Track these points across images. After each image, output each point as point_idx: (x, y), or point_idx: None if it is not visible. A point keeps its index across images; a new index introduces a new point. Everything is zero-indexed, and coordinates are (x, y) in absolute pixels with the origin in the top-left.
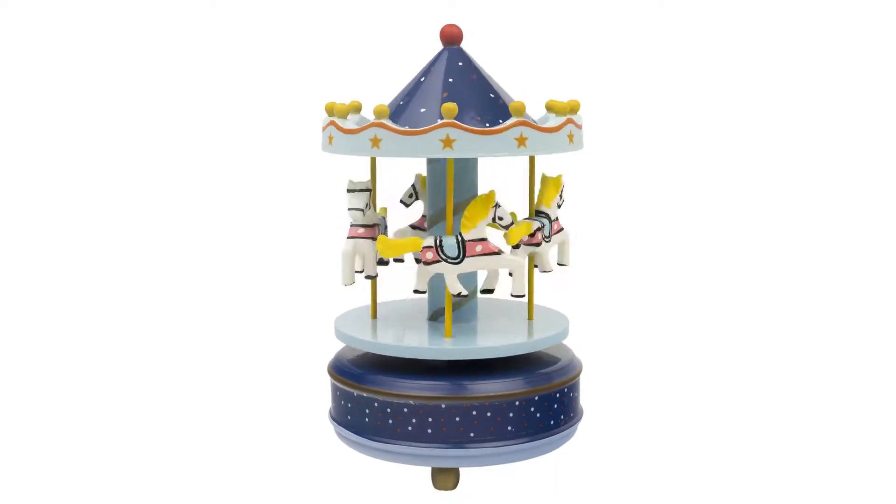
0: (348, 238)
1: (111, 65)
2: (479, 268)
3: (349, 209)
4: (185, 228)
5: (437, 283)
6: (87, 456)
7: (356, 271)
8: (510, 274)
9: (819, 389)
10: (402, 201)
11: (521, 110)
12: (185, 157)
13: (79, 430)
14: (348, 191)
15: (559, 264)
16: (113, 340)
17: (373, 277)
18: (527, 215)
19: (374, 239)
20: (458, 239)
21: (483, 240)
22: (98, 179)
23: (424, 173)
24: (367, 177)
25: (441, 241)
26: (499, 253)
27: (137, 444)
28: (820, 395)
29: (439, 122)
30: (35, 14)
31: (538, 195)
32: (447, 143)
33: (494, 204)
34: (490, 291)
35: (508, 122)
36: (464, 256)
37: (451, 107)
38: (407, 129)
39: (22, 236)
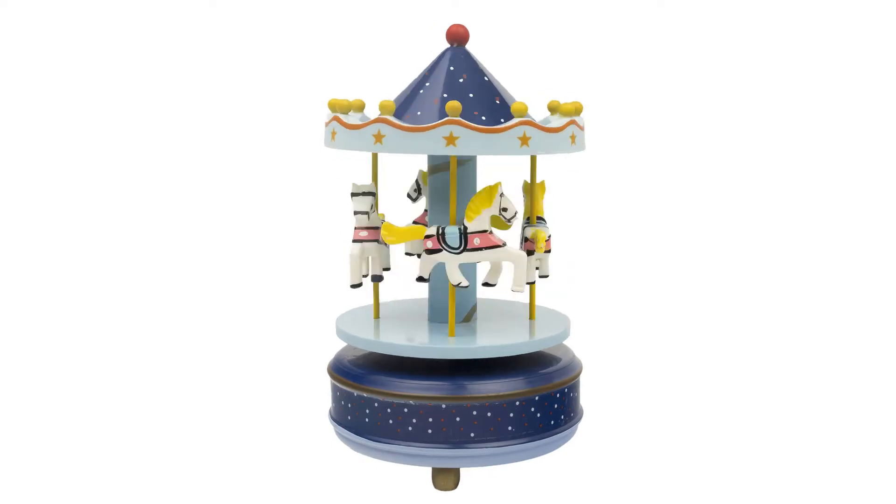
0: (354, 241)
1: (112, 65)
2: (481, 259)
3: (355, 212)
4: (187, 228)
5: (438, 283)
6: (88, 455)
7: (379, 276)
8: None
9: (819, 389)
10: (408, 195)
11: (523, 111)
12: (188, 156)
13: (79, 430)
14: (352, 195)
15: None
16: (114, 340)
17: (378, 280)
18: (525, 221)
19: (378, 241)
20: (460, 229)
21: (486, 231)
22: (99, 179)
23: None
24: (369, 180)
25: (443, 231)
26: (501, 246)
27: (138, 444)
28: (819, 394)
29: (443, 119)
30: (35, 14)
31: (534, 202)
32: (450, 140)
33: (499, 194)
34: (492, 285)
35: (512, 121)
36: (465, 247)
37: (455, 105)
38: (411, 125)
39: (23, 236)
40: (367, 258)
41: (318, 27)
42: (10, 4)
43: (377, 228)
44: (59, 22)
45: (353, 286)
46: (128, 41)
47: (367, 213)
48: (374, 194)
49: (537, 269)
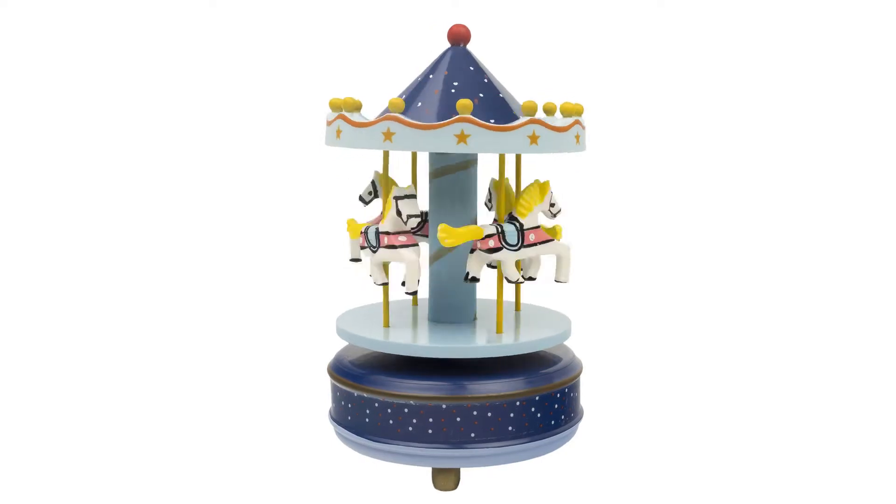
0: (409, 246)
1: (112, 65)
2: (535, 254)
3: (408, 216)
4: (187, 228)
5: (438, 284)
6: (88, 455)
7: (381, 283)
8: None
9: (818, 389)
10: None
11: (532, 109)
12: (188, 156)
13: (79, 430)
14: (400, 197)
15: (556, 280)
16: (114, 339)
17: (413, 293)
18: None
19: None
20: (517, 226)
21: (538, 227)
22: (100, 179)
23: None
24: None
25: (503, 229)
26: (551, 240)
27: (138, 444)
28: (819, 394)
29: (455, 116)
30: (35, 14)
31: (517, 200)
32: (462, 138)
33: (550, 192)
34: (532, 279)
35: (522, 119)
36: (522, 243)
37: (467, 103)
38: (422, 122)
39: (23, 236)
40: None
41: (319, 27)
42: (10, 4)
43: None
44: (59, 22)
45: (353, 260)
46: (128, 41)
47: (419, 215)
48: (374, 183)
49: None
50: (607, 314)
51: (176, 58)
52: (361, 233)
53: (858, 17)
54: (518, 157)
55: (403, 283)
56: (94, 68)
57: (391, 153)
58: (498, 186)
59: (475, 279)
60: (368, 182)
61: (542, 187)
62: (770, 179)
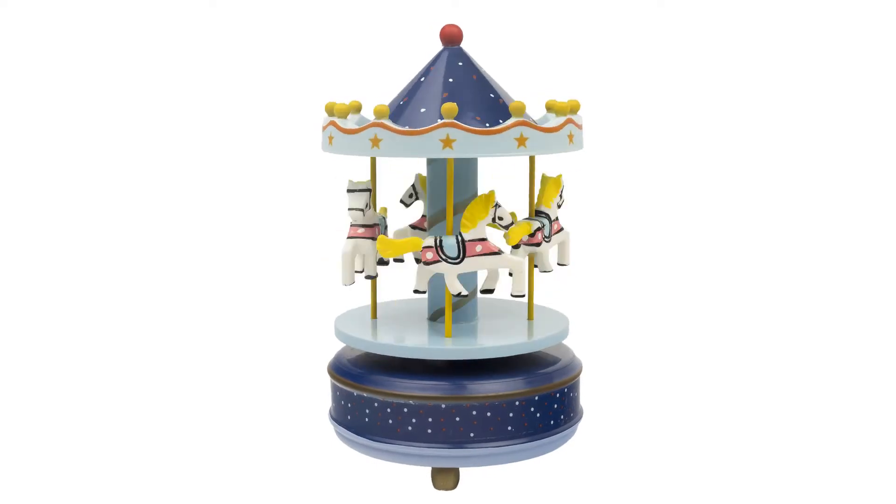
0: (348, 238)
1: (112, 65)
2: (480, 268)
3: (349, 209)
4: (186, 229)
5: (437, 284)
6: (88, 455)
7: (356, 271)
8: (510, 274)
9: (818, 389)
10: (401, 201)
11: (521, 110)
12: (185, 157)
13: (79, 430)
14: (348, 191)
15: (559, 264)
16: (113, 340)
17: (373, 277)
18: (526, 215)
19: (373, 239)
20: (458, 239)
21: (483, 240)
22: (98, 180)
23: (424, 173)
24: (366, 177)
25: (441, 241)
26: (499, 253)
27: (138, 444)
28: (819, 394)
29: (439, 122)
30: (35, 14)
31: (538, 195)
32: (447, 143)
33: (494, 204)
34: (490, 291)
35: (508, 122)
36: (464, 256)
37: (451, 107)
38: (407, 129)
39: (23, 237)
40: (363, 256)
41: (318, 28)
42: (10, 4)
43: (373, 226)
44: (59, 22)
45: (347, 284)
46: (127, 41)
47: (361, 209)
48: (369, 191)
49: (536, 266)
50: (606, 314)
51: (176, 58)
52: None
53: (858, 17)
54: (531, 157)
55: (460, 294)
56: (93, 68)
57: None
58: (544, 180)
59: (418, 291)
60: (409, 185)
61: (485, 200)
62: (769, 178)
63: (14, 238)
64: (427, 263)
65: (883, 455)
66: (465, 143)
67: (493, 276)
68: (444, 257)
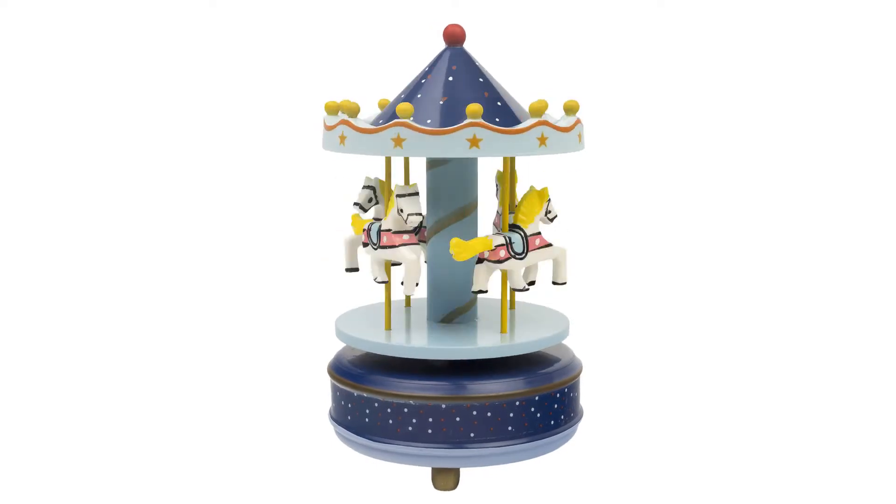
0: (413, 245)
1: (112, 65)
2: (537, 261)
3: (410, 214)
4: (186, 228)
5: (447, 286)
6: (88, 456)
7: (382, 281)
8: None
9: (818, 389)
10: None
11: (541, 111)
12: (186, 156)
13: (79, 430)
14: (403, 195)
15: (553, 283)
16: (113, 340)
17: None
18: (494, 229)
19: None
20: (522, 235)
21: (539, 234)
22: (98, 179)
23: (382, 177)
24: (381, 177)
25: (510, 239)
26: (550, 245)
27: (138, 444)
28: (819, 394)
29: (465, 122)
30: (35, 14)
31: (517, 208)
32: (474, 142)
33: (548, 199)
34: (532, 283)
35: (531, 121)
36: (527, 251)
37: (477, 108)
38: (433, 128)
39: (22, 237)
40: (381, 262)
41: (318, 27)
42: (10, 4)
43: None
44: (59, 22)
45: (348, 270)
46: (128, 41)
47: (361, 205)
48: (373, 188)
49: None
50: (606, 314)
51: (176, 58)
52: (364, 229)
53: (858, 17)
54: (506, 162)
55: (402, 283)
56: (93, 68)
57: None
58: (502, 178)
59: (483, 291)
60: (365, 189)
61: (540, 195)
62: (769, 178)
63: (14, 238)
64: (499, 262)
65: (883, 455)
66: (490, 142)
67: (534, 268)
68: (513, 254)
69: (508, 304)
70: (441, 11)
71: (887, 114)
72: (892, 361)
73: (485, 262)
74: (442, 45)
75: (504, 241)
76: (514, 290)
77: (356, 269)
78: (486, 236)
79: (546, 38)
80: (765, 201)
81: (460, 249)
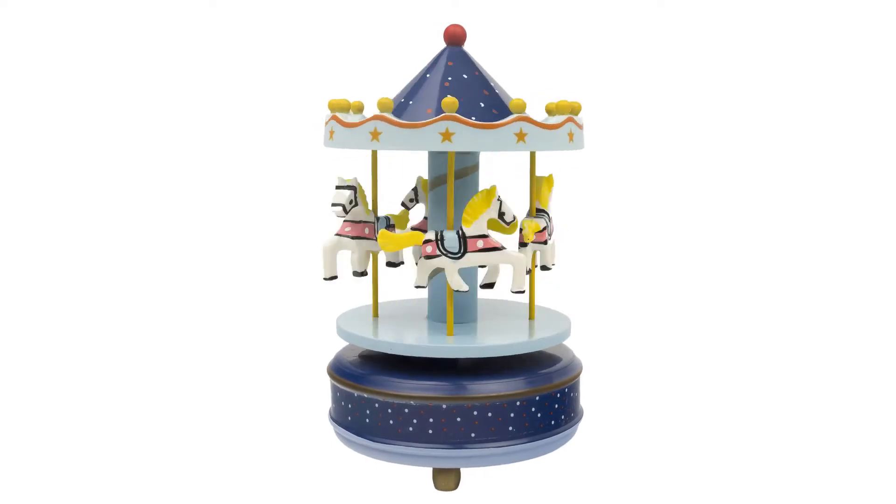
0: (336, 234)
1: (111, 65)
2: (481, 263)
3: (331, 205)
4: (186, 228)
5: (441, 285)
6: (88, 456)
7: (360, 272)
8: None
9: (818, 389)
10: (403, 204)
11: (521, 108)
12: (186, 156)
13: (79, 430)
14: (336, 187)
15: (511, 291)
16: (113, 340)
17: (360, 274)
18: (526, 214)
19: (360, 237)
20: (459, 233)
21: (485, 236)
22: (98, 179)
23: (426, 176)
24: (358, 175)
25: (442, 235)
26: (501, 249)
27: (138, 444)
28: (819, 394)
29: (439, 115)
30: (35, 14)
31: (532, 195)
32: (446, 136)
33: (496, 198)
34: (490, 286)
35: (508, 117)
36: (465, 251)
37: (452, 101)
38: (406, 121)
39: (21, 236)
40: (362, 253)
41: (318, 27)
42: (10, 4)
43: (359, 223)
44: (59, 22)
45: (326, 279)
46: (128, 41)
47: (343, 206)
48: (354, 189)
49: (537, 265)
50: (607, 314)
51: (176, 57)
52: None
53: (858, 17)
54: (532, 157)
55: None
56: (93, 68)
57: (397, 157)
58: (539, 181)
59: (419, 287)
60: (344, 189)
61: (487, 195)
62: (768, 178)
63: (13, 238)
64: (428, 258)
65: (883, 455)
66: (463, 136)
67: (493, 270)
68: (444, 251)
69: (512, 306)
70: (441, 11)
71: (887, 114)
72: (891, 361)
73: (421, 258)
74: (442, 45)
75: (434, 238)
76: (455, 290)
77: (335, 278)
78: (419, 231)
79: (546, 38)
80: (765, 201)
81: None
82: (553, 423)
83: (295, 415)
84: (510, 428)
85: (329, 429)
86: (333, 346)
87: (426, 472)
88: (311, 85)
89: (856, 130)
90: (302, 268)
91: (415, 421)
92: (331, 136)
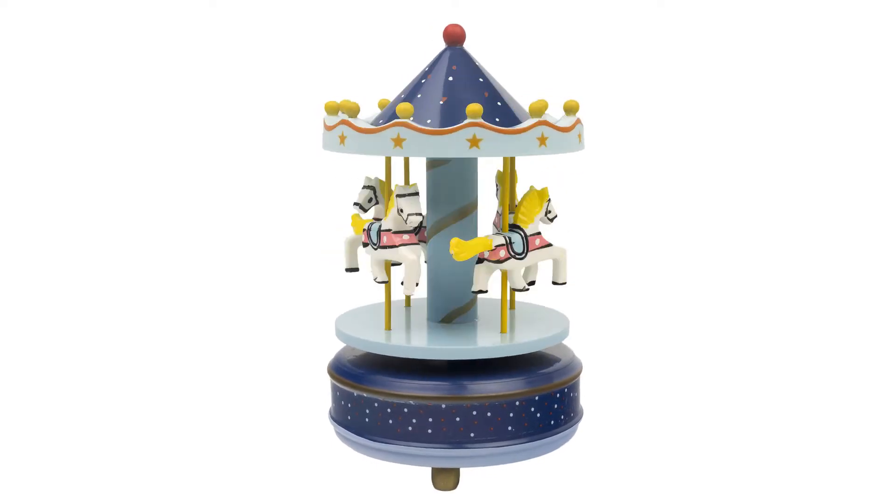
0: (413, 245)
1: (111, 65)
2: (537, 260)
3: (410, 214)
4: (186, 228)
5: (446, 287)
6: (88, 456)
7: (381, 281)
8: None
9: (818, 389)
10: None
11: (541, 111)
12: (186, 156)
13: (79, 431)
14: (403, 195)
15: (553, 283)
16: (113, 340)
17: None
18: (493, 228)
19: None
20: (522, 235)
21: (539, 234)
22: (98, 179)
23: (382, 177)
24: (381, 177)
25: (510, 239)
26: (550, 245)
27: (138, 444)
28: (819, 394)
29: (465, 121)
30: (35, 14)
31: (517, 208)
32: (474, 142)
33: (548, 199)
34: (532, 283)
35: (530, 121)
36: (527, 251)
37: (477, 108)
38: (433, 128)
39: (21, 237)
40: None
41: (317, 28)
42: (10, 4)
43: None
44: (59, 22)
45: (347, 270)
46: (128, 41)
47: (361, 205)
48: (373, 188)
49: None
50: (606, 314)
51: (176, 57)
52: (364, 229)
53: (858, 16)
54: (510, 162)
55: (402, 283)
56: (93, 68)
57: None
58: (503, 179)
59: (483, 291)
60: (365, 189)
61: (540, 194)
62: (768, 178)
63: (13, 238)
64: (499, 262)
65: (883, 455)
66: (490, 142)
67: (534, 269)
68: (513, 254)
69: (508, 304)
70: (441, 11)
71: (887, 114)
72: (891, 361)
73: (485, 262)
74: (442, 45)
75: (504, 241)
76: (514, 290)
77: (356, 269)
78: (487, 236)
79: (546, 38)
80: (765, 201)
81: (460, 249)
82: (552, 423)
83: (295, 414)
84: (509, 428)
85: (329, 428)
86: (333, 346)
87: (425, 472)
88: (311, 85)
89: (856, 130)
90: (302, 268)
91: (414, 420)
92: (342, 142)
